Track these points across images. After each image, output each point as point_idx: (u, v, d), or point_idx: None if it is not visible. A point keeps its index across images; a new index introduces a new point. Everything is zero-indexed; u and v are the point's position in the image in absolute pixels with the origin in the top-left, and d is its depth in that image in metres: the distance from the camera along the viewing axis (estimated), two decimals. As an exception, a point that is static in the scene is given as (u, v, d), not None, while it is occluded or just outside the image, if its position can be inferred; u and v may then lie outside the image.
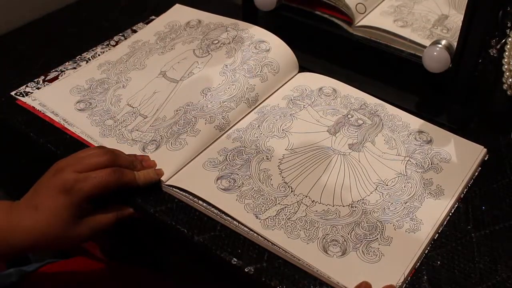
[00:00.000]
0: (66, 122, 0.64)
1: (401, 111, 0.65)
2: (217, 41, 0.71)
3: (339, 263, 0.50)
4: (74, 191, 0.51)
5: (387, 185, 0.56)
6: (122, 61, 0.72)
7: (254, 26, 0.72)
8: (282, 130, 0.62)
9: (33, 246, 0.51)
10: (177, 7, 0.81)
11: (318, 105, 0.65)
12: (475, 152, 0.60)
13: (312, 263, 0.49)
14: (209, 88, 0.65)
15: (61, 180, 0.51)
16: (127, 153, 0.57)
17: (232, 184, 0.56)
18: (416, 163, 0.59)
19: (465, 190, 0.57)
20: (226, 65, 0.68)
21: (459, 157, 0.59)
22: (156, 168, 0.57)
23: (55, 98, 0.67)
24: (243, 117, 0.64)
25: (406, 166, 0.58)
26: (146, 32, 0.77)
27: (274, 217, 0.53)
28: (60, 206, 0.51)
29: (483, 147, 0.60)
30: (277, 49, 0.70)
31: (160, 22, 0.79)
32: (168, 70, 0.69)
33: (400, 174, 0.58)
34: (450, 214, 0.55)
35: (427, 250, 0.51)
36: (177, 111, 0.63)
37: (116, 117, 0.64)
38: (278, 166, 0.58)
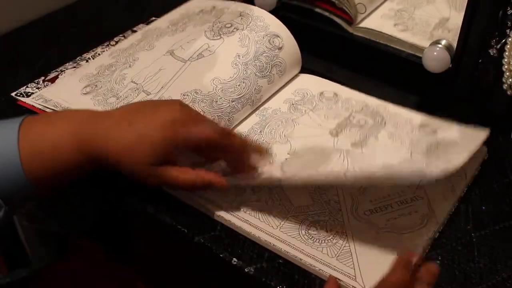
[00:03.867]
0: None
1: (403, 109, 0.65)
2: (230, 25, 0.68)
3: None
4: (184, 127, 0.49)
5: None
6: (133, 46, 0.71)
7: (269, 15, 0.69)
8: (284, 135, 0.61)
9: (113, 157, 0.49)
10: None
11: (320, 109, 0.65)
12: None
13: (312, 263, 0.50)
14: (219, 79, 0.63)
15: (172, 115, 0.50)
16: None
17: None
18: (421, 151, 0.58)
19: (465, 190, 0.57)
20: (239, 56, 0.65)
21: (464, 141, 0.58)
22: None
23: (62, 91, 0.67)
24: (244, 119, 0.64)
25: (411, 155, 0.58)
26: (160, 21, 0.76)
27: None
28: (162, 138, 0.49)
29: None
30: (288, 47, 0.68)
31: (175, 12, 0.77)
32: (177, 49, 0.67)
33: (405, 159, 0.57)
34: (450, 214, 0.55)
35: (427, 250, 0.51)
36: (184, 95, 0.61)
37: (118, 94, 0.63)
38: (281, 168, 0.58)
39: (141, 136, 0.49)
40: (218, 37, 0.67)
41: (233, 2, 0.74)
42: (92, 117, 0.51)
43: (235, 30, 0.67)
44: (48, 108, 0.65)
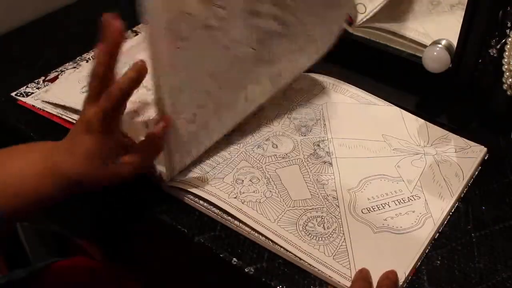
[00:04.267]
0: (66, 113, 0.63)
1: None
2: None
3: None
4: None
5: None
6: (133, 48, 0.71)
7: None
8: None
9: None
10: None
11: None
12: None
13: (309, 262, 0.50)
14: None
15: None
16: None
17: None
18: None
19: (465, 190, 0.57)
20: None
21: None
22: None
23: (62, 91, 0.67)
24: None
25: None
26: None
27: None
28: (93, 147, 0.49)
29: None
30: None
31: None
32: None
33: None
34: (450, 214, 0.55)
35: (427, 250, 0.52)
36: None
37: None
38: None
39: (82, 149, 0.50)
40: None
41: None
42: (57, 144, 0.52)
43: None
44: (48, 108, 0.65)
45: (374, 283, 0.48)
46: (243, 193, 0.55)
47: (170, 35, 0.49)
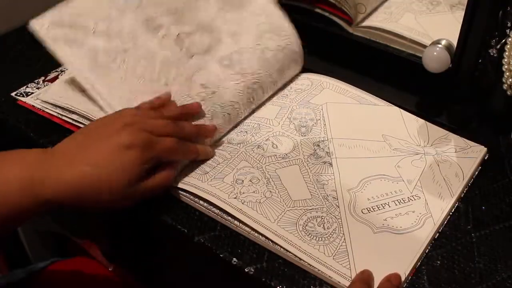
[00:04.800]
0: (66, 114, 0.64)
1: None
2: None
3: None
4: (148, 149, 0.50)
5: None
6: None
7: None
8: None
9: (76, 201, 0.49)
10: None
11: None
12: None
13: (309, 261, 0.50)
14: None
15: (132, 136, 0.50)
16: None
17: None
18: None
19: (465, 190, 0.57)
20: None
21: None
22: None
23: (62, 91, 0.66)
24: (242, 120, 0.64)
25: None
26: None
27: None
28: (130, 162, 0.49)
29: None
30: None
31: None
32: None
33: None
34: (450, 214, 0.55)
35: (427, 250, 0.52)
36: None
37: None
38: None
39: (101, 172, 0.48)
40: None
41: None
42: (41, 158, 0.49)
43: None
44: (47, 108, 0.65)
45: (377, 284, 0.48)
46: (243, 193, 0.55)
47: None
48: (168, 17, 0.64)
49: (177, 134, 0.54)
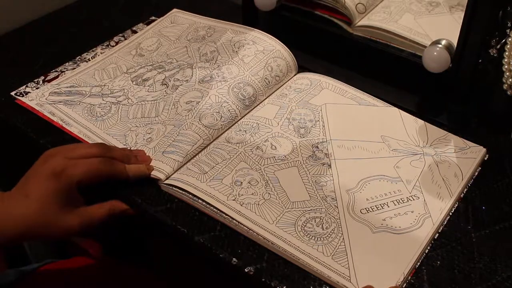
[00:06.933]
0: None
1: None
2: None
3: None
4: (64, 176, 0.51)
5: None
6: None
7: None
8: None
9: (24, 235, 0.50)
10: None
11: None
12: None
13: (307, 261, 0.50)
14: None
15: (51, 166, 0.51)
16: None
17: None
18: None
19: (465, 190, 0.57)
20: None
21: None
22: (151, 164, 0.57)
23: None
24: (241, 118, 0.64)
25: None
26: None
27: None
28: (50, 192, 0.50)
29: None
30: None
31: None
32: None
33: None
34: (450, 214, 0.55)
35: (427, 250, 0.52)
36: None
37: None
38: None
39: (38, 202, 0.50)
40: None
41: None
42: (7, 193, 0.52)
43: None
44: (47, 108, 0.65)
45: (375, 282, 0.48)
46: (242, 195, 0.55)
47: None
48: (153, 71, 0.70)
49: (103, 155, 0.54)
